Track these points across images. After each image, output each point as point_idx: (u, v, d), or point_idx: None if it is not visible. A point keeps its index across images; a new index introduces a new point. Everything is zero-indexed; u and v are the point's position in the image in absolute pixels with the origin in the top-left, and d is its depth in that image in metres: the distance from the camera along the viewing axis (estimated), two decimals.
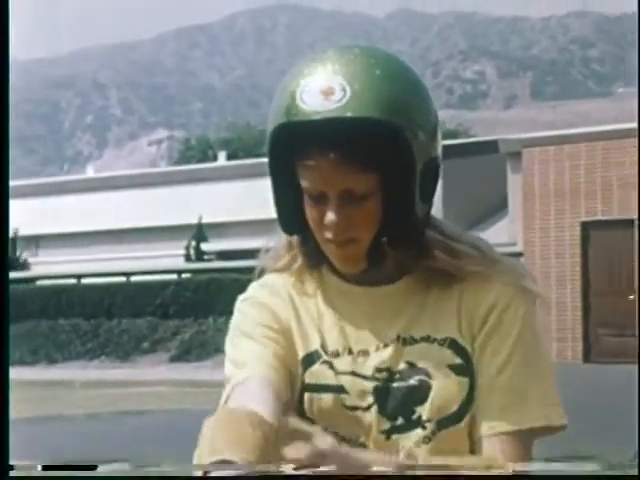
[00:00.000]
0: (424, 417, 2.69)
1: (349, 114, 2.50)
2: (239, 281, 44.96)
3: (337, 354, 2.72)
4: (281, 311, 2.77)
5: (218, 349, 43.35)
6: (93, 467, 2.97)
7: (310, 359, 2.73)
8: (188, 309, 44.85)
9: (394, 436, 2.69)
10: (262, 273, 2.89)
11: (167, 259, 50.94)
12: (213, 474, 2.16)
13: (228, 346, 2.78)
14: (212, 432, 2.29)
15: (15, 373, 39.09)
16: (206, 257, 51.16)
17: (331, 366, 2.71)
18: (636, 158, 29.27)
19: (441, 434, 2.69)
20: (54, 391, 30.79)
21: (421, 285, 2.75)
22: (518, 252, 34.64)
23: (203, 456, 2.26)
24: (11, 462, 3.07)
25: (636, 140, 29.79)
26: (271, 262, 2.88)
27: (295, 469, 2.29)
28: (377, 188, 2.58)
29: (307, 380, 2.72)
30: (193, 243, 51.57)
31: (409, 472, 2.58)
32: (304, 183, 2.60)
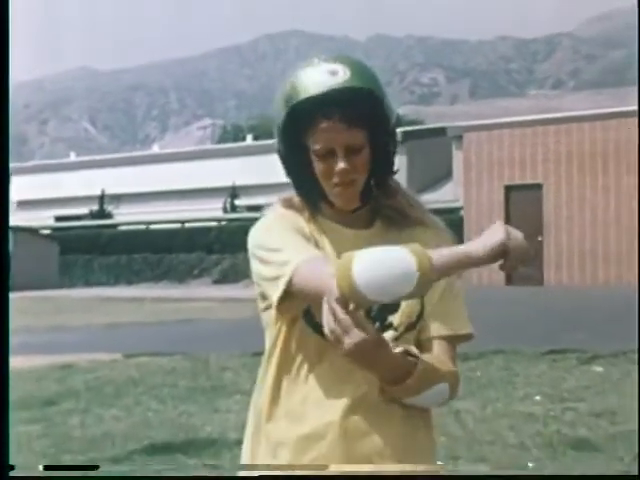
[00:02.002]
0: (394, 323, 2.71)
1: (354, 84, 2.63)
2: None
3: None
4: (298, 219, 2.78)
5: (247, 275, 43.32)
6: (94, 467, 2.82)
7: None
8: (225, 247, 44.83)
9: None
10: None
11: (210, 211, 50.86)
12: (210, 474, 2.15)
13: (264, 251, 2.69)
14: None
15: (104, 292, 39.01)
16: (238, 210, 51.08)
17: None
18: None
19: (404, 336, 2.71)
20: (131, 305, 30.81)
21: (388, 228, 2.78)
22: (459, 206, 34.58)
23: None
24: (12, 462, 2.86)
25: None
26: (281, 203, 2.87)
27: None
28: (367, 142, 2.67)
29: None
30: (229, 200, 51.51)
31: (409, 473, 2.67)
32: (316, 146, 2.66)
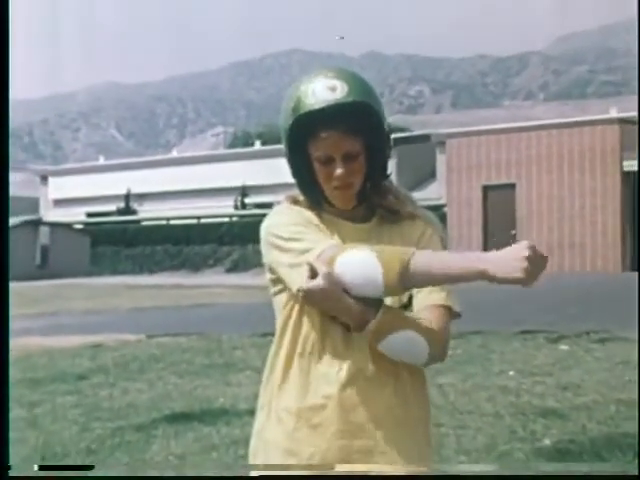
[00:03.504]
0: (389, 303, 2.69)
1: (350, 99, 2.62)
2: None
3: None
4: (309, 216, 2.76)
5: (255, 265, 43.40)
6: (89, 467, 2.73)
7: None
8: (236, 239, 44.79)
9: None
10: None
11: (223, 208, 50.83)
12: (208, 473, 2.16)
13: (282, 240, 2.70)
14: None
15: (129, 280, 38.97)
16: (247, 207, 51.03)
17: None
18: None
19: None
20: (152, 291, 30.81)
21: (383, 223, 2.78)
22: (443, 204, 34.55)
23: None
24: (12, 462, 2.81)
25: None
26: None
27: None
28: (363, 148, 2.67)
29: None
30: (239, 198, 51.45)
31: (410, 473, 2.68)
32: (317, 153, 2.66)
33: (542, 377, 10.17)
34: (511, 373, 10.27)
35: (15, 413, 8.84)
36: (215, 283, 34.08)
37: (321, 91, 2.64)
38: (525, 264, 2.50)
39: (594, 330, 13.31)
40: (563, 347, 12.44)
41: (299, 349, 2.73)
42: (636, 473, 2.43)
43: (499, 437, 7.41)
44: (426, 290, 2.70)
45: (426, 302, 2.71)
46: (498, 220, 32.17)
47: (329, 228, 2.74)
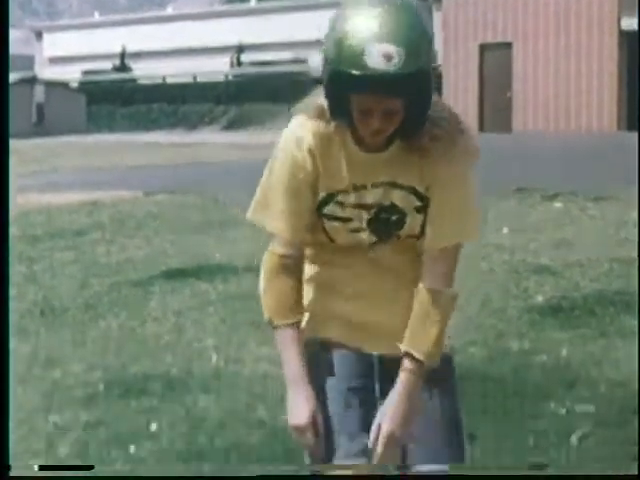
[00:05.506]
0: (400, 235, 2.69)
1: (405, 72, 2.45)
2: (264, 81, 44.62)
3: (345, 191, 2.65)
4: (306, 162, 2.66)
5: (251, 123, 43.32)
6: (89, 467, 2.70)
7: (328, 199, 2.66)
8: (232, 98, 44.60)
9: (378, 246, 2.69)
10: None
11: (219, 66, 50.39)
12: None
13: (265, 179, 2.75)
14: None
15: (125, 138, 38.91)
16: (243, 65, 50.56)
17: (341, 204, 2.65)
18: None
19: (405, 241, 2.70)
20: (148, 149, 30.73)
21: (401, 152, 2.66)
22: (438, 65, 34.21)
23: None
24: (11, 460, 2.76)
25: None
26: (305, 115, 2.72)
27: None
28: (402, 107, 2.53)
29: (325, 212, 2.67)
30: (235, 56, 50.92)
31: (410, 473, 2.69)
32: (357, 101, 2.53)
33: (536, 235, 10.18)
34: (505, 231, 10.27)
35: (15, 269, 8.86)
36: (211, 141, 33.95)
37: (375, 58, 2.45)
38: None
39: (588, 189, 13.28)
40: (557, 205, 12.43)
41: (322, 259, 2.78)
42: (636, 473, 2.41)
43: (493, 294, 7.43)
44: (434, 226, 2.67)
45: (431, 244, 2.68)
46: (495, 79, 31.93)
47: (340, 153, 2.67)
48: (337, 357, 2.73)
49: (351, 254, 2.72)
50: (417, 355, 2.63)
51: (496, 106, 31.70)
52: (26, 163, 22.82)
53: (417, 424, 2.68)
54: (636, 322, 6.37)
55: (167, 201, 14.53)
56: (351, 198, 2.65)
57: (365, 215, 2.66)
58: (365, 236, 2.68)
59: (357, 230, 2.67)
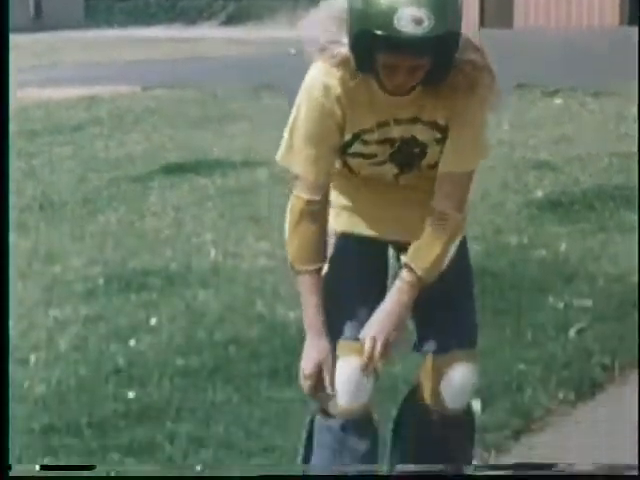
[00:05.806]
0: (422, 165, 2.79)
1: (433, 34, 2.49)
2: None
3: (370, 130, 2.72)
4: (334, 110, 2.71)
5: (249, 18, 42.81)
6: (90, 467, 2.68)
7: (353, 140, 2.74)
8: None
9: (401, 177, 2.81)
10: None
11: None
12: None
13: (292, 122, 2.77)
14: None
15: (123, 33, 38.38)
16: None
17: (365, 142, 2.74)
18: None
19: (426, 174, 2.79)
20: (146, 44, 30.32)
21: (424, 94, 2.71)
22: None
23: None
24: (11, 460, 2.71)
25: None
26: (327, 51, 2.72)
27: None
28: (427, 63, 2.58)
29: (351, 151, 2.77)
30: None
31: (410, 473, 2.76)
32: (384, 59, 2.57)
33: (536, 130, 10.13)
34: (505, 127, 10.19)
35: (14, 165, 8.81)
36: (210, 36, 33.54)
37: (405, 21, 2.48)
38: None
39: (588, 84, 13.17)
40: (557, 101, 12.34)
41: (350, 181, 2.89)
42: (636, 473, 2.44)
43: (492, 189, 7.40)
44: (448, 152, 2.74)
45: (443, 169, 2.76)
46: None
47: (363, 96, 2.71)
48: (352, 241, 2.86)
49: (375, 185, 2.83)
50: (416, 269, 2.74)
51: (497, 2, 31.35)
52: (25, 58, 22.56)
53: (430, 302, 2.81)
54: (635, 217, 6.35)
55: (165, 96, 14.41)
56: (375, 135, 2.74)
57: (389, 150, 2.75)
58: (388, 168, 2.78)
59: (380, 163, 2.78)
